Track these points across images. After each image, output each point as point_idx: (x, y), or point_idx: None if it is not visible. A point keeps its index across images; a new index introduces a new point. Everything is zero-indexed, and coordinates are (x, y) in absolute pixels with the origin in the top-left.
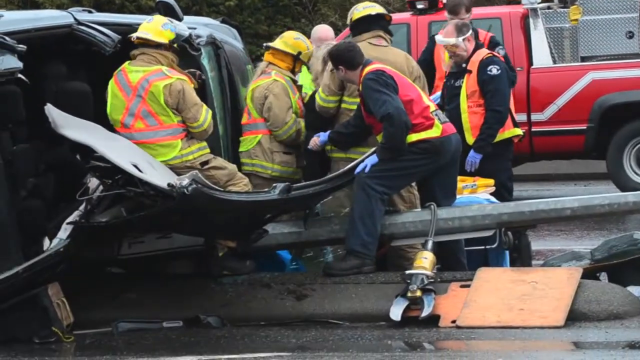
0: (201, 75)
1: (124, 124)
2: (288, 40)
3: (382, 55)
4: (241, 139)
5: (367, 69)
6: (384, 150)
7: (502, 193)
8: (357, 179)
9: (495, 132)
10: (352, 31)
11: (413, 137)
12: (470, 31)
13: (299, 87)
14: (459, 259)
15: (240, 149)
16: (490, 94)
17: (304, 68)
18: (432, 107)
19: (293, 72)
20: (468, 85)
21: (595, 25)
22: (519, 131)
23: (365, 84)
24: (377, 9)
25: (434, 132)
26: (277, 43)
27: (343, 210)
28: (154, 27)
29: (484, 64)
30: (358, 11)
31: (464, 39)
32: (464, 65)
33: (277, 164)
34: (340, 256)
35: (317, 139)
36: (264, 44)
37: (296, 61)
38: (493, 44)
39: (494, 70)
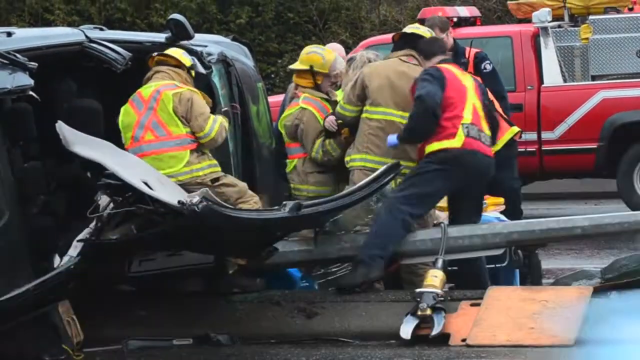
0: (236, 107)
1: (134, 138)
2: (301, 57)
3: (408, 70)
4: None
5: (433, 64)
6: (404, 131)
7: (513, 199)
8: (386, 201)
9: None
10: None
11: (434, 146)
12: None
13: (334, 103)
14: (485, 283)
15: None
16: None
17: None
18: (467, 120)
19: (317, 86)
20: None
21: (606, 44)
22: (516, 129)
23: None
24: (414, 29)
25: (454, 143)
26: (294, 64)
27: (360, 222)
28: (177, 52)
29: None
30: (403, 30)
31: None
32: None
33: (312, 185)
34: (349, 272)
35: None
36: (288, 68)
37: (314, 75)
38: (479, 59)
39: None
